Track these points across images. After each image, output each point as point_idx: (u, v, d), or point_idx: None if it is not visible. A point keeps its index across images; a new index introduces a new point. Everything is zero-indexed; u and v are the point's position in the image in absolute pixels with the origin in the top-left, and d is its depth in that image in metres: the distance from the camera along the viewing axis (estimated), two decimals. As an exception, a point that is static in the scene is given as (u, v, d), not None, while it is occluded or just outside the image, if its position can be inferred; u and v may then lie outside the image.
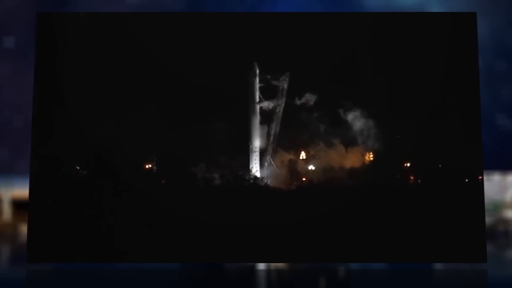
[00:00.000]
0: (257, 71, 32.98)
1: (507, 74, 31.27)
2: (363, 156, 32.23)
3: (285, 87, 32.84)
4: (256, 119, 33.15)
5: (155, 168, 31.61)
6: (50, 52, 29.96)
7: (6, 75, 30.74)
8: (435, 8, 31.12)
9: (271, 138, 33.11)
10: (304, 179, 32.19)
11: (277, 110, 32.99)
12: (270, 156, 33.18)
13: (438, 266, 28.84)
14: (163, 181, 30.91)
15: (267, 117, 33.18)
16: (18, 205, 30.87)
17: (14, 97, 30.63)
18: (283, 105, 32.93)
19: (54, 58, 30.10)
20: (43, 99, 29.69)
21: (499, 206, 31.21)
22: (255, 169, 32.93)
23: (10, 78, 30.73)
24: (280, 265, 29.44)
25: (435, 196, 29.39)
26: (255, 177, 32.56)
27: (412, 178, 31.35)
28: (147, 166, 31.61)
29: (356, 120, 31.88)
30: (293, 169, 32.48)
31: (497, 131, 30.94)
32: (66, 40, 30.38)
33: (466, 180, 30.13)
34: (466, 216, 28.50)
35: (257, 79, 33.03)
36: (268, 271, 29.06)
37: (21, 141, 30.03)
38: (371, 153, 32.04)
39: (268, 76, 32.94)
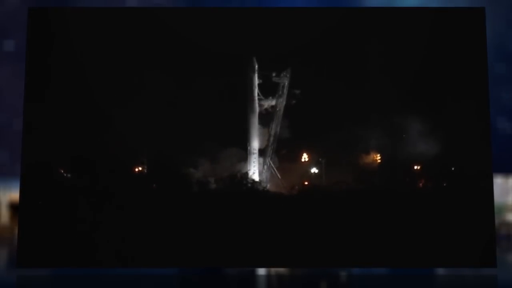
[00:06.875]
0: (256, 66, 30.36)
1: (507, 77, 29.61)
2: (369, 159, 29.72)
3: (286, 83, 30.24)
4: (255, 118, 30.45)
5: (146, 171, 29.43)
6: (41, 50, 28.17)
7: (6, 78, 29.33)
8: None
9: (271, 138, 30.55)
10: (306, 182, 29.69)
11: (277, 109, 30.46)
12: (270, 158, 30.44)
13: (445, 271, 27.13)
14: (155, 185, 28.71)
15: (267, 116, 30.63)
16: (16, 208, 28.59)
17: (14, 100, 28.97)
18: (284, 103, 30.30)
19: (46, 56, 28.27)
20: (34, 100, 28.00)
21: (501, 209, 29.34)
22: (254, 172, 30.30)
23: (10, 81, 29.28)
24: (282, 270, 27.35)
25: (442, 199, 27.45)
26: (254, 180, 29.94)
27: (418, 181, 29.24)
28: (138, 169, 29.47)
29: (360, 121, 29.13)
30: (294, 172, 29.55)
31: (498, 134, 29.12)
32: (58, 37, 28.44)
33: (474, 183, 27.90)
34: (474, 220, 26.66)
35: (256, 75, 30.40)
36: (268, 276, 26.96)
37: (21, 144, 28.28)
38: (377, 156, 29.60)
39: (272, 73, 30.37)
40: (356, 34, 28.38)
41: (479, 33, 27.38)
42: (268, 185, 30.03)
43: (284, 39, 28.02)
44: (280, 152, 30.37)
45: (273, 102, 30.28)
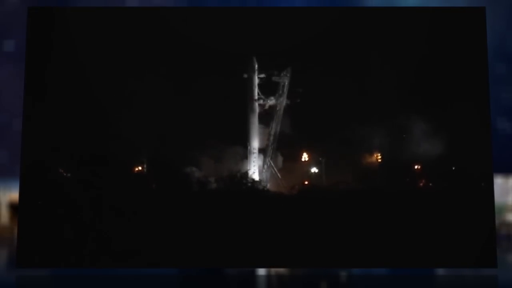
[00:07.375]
0: (256, 66, 30.20)
1: (507, 77, 29.14)
2: (369, 158, 29.53)
3: (286, 83, 30.00)
4: (255, 118, 30.29)
5: (146, 171, 29.30)
6: (41, 50, 28.04)
7: (6, 78, 28.85)
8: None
9: (271, 138, 30.40)
10: (306, 182, 29.53)
11: (277, 108, 30.13)
12: (270, 158, 30.04)
13: (445, 271, 26.71)
14: (155, 184, 28.54)
15: (267, 116, 30.49)
16: (16, 208, 28.40)
17: (14, 101, 28.69)
18: (284, 102, 30.02)
19: (46, 56, 28.16)
20: (34, 100, 27.81)
21: (501, 209, 28.74)
22: (254, 171, 30.13)
23: (10, 81, 28.82)
24: (282, 270, 26.94)
25: (443, 199, 27.26)
26: (253, 180, 29.80)
27: (419, 181, 29.18)
28: (138, 169, 29.30)
29: (360, 121, 29.01)
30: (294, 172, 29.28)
31: (498, 134, 28.72)
32: (58, 37, 28.34)
33: (474, 183, 27.91)
34: (475, 220, 26.51)
35: (256, 75, 30.27)
36: (268, 276, 26.59)
37: (20, 144, 28.07)
38: (378, 156, 29.18)
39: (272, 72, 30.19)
40: (356, 34, 28.25)
41: (479, 33, 27.14)
42: (268, 185, 29.87)
43: (284, 39, 27.85)
44: (280, 152, 30.26)
45: (273, 102, 30.14)
